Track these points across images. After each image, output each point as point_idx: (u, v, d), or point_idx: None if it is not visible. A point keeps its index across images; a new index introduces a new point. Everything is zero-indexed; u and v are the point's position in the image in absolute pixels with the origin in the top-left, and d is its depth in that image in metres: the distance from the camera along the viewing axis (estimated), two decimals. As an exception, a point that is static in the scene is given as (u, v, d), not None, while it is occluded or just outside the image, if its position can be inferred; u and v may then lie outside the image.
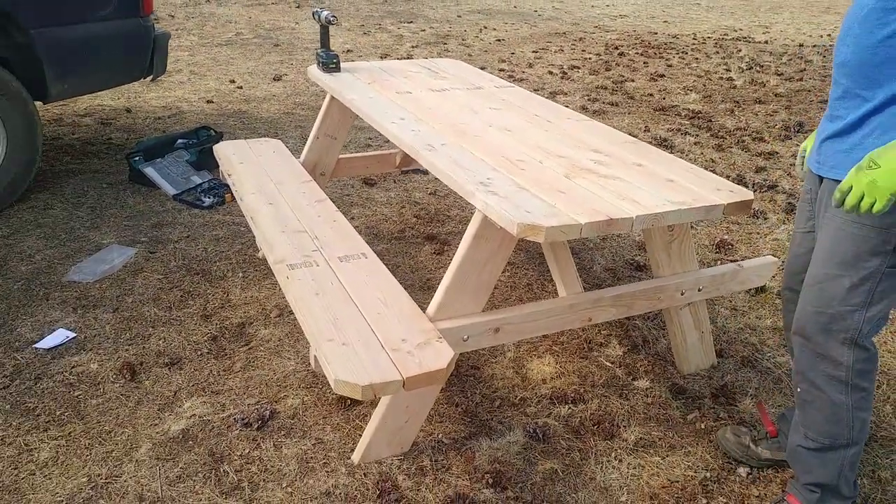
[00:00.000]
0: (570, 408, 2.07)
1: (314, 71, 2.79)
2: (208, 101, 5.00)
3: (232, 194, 3.38)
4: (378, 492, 1.73)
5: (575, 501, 1.74)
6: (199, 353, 2.24)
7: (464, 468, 1.82)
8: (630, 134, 4.14)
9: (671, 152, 4.17)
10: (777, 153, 4.31)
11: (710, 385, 2.19)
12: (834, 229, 1.46)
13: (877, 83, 1.37)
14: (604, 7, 10.77)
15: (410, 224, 3.24)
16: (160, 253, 2.85)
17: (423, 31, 8.09)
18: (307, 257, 1.97)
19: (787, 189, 3.75)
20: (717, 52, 7.46)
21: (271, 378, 2.14)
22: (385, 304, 1.76)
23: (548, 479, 1.81)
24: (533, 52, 7.20)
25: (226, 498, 1.70)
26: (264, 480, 1.75)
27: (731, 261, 2.99)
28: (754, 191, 3.73)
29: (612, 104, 5.32)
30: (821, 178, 1.55)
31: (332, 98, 2.74)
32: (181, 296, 2.55)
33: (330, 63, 2.75)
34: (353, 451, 1.85)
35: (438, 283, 2.72)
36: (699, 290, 2.09)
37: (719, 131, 4.70)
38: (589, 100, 5.41)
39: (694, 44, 7.92)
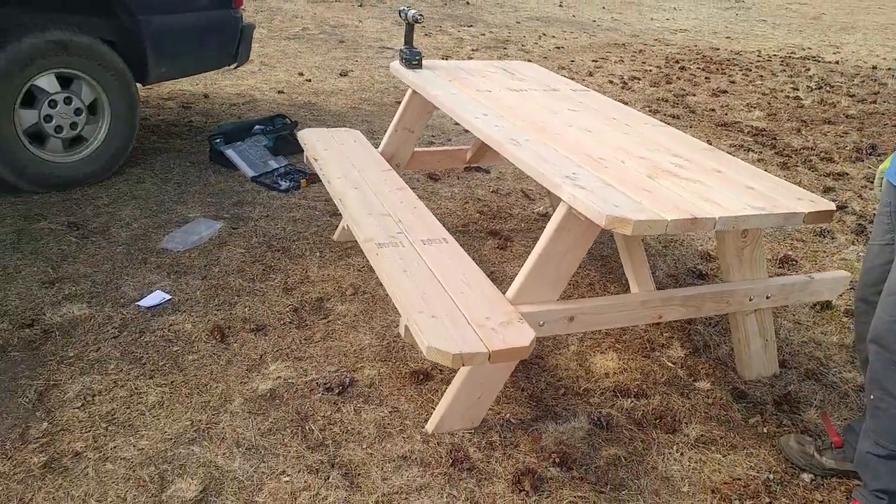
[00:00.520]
0: (632, 401, 2.15)
1: (397, 67, 2.93)
2: (279, 92, 5.21)
3: (307, 180, 3.55)
4: (451, 460, 1.84)
5: (637, 487, 1.83)
6: (281, 322, 2.39)
7: (531, 446, 1.92)
8: (693, 146, 4.17)
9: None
10: (847, 174, 4.28)
11: (773, 392, 2.24)
12: (914, 241, 1.52)
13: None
14: (664, 20, 10.73)
15: (474, 219, 3.36)
16: (242, 229, 3.02)
17: (483, 35, 8.22)
18: (393, 238, 2.10)
19: (857, 210, 3.73)
20: (784, 71, 7.39)
21: (349, 349, 2.27)
22: (468, 285, 1.87)
23: (611, 464, 1.89)
24: (593, 61, 7.26)
25: (312, 452, 1.84)
26: (346, 440, 1.89)
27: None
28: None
29: (673, 117, 5.35)
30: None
31: (413, 93, 2.87)
32: (263, 269, 2.71)
33: (413, 60, 2.88)
34: (426, 421, 1.97)
35: (503, 276, 2.83)
36: (767, 298, 2.14)
37: (784, 150, 4.69)
38: (650, 111, 5.44)
39: (758, 61, 7.86)
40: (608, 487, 1.81)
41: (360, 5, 9.68)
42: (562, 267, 1.88)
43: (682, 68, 7.20)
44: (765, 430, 2.06)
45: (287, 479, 1.76)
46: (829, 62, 8.03)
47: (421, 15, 2.81)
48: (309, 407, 2.00)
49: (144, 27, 3.20)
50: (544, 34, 8.61)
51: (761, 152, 4.62)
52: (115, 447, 1.80)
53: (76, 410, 1.92)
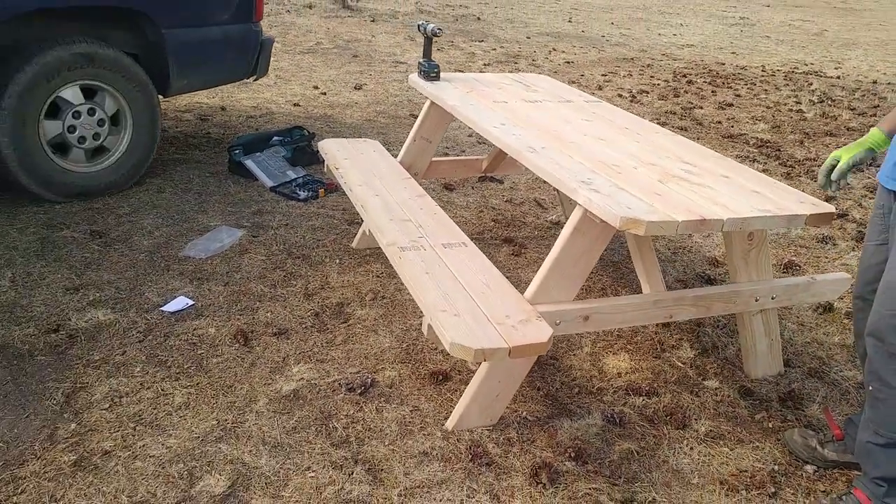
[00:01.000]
0: (644, 399, 2.21)
1: (415, 79, 3.03)
2: (295, 105, 5.33)
3: (325, 190, 3.65)
4: (470, 455, 1.91)
5: (650, 479, 1.89)
6: (303, 326, 2.47)
7: (547, 442, 1.98)
8: (700, 157, 4.26)
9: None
10: (848, 184, 4.35)
11: (778, 390, 2.31)
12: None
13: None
14: (671, 36, 10.86)
15: (489, 227, 3.44)
16: (262, 237, 3.12)
17: (494, 49, 8.35)
18: (414, 242, 2.18)
19: (857, 218, 3.80)
20: (787, 85, 7.49)
21: (369, 352, 2.35)
22: (488, 286, 1.95)
23: (624, 458, 1.96)
24: (602, 75, 7.37)
25: (336, 449, 1.91)
26: (368, 438, 1.96)
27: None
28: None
29: (681, 129, 5.44)
30: (894, 194, 1.69)
31: (432, 104, 2.97)
32: (284, 276, 2.80)
33: (431, 72, 2.99)
34: (446, 419, 2.04)
35: (517, 281, 2.91)
36: (772, 298, 2.21)
37: (788, 160, 4.77)
38: (658, 123, 5.54)
39: (763, 76, 7.96)
40: (622, 480, 1.88)
41: (373, 21, 9.86)
42: (578, 268, 1.96)
43: (690, 82, 7.30)
44: (770, 426, 2.13)
45: (312, 474, 1.83)
46: (831, 77, 8.13)
47: (440, 29, 2.92)
48: (332, 406, 2.07)
49: (169, 41, 3.32)
50: (554, 49, 8.75)
51: (766, 163, 4.70)
52: (143, 446, 1.87)
53: (104, 412, 1.98)
